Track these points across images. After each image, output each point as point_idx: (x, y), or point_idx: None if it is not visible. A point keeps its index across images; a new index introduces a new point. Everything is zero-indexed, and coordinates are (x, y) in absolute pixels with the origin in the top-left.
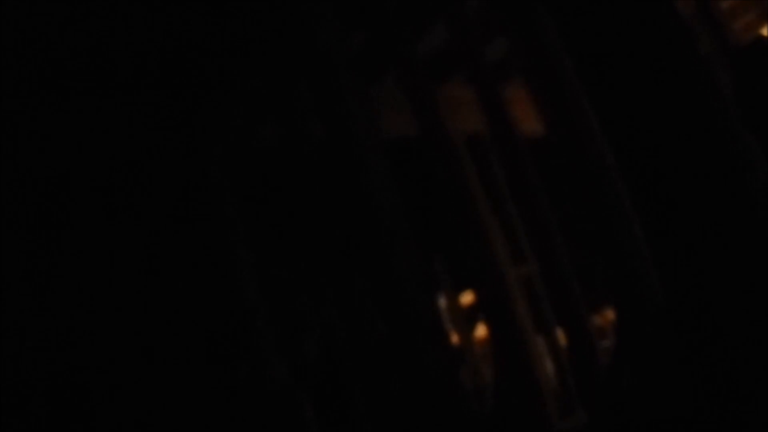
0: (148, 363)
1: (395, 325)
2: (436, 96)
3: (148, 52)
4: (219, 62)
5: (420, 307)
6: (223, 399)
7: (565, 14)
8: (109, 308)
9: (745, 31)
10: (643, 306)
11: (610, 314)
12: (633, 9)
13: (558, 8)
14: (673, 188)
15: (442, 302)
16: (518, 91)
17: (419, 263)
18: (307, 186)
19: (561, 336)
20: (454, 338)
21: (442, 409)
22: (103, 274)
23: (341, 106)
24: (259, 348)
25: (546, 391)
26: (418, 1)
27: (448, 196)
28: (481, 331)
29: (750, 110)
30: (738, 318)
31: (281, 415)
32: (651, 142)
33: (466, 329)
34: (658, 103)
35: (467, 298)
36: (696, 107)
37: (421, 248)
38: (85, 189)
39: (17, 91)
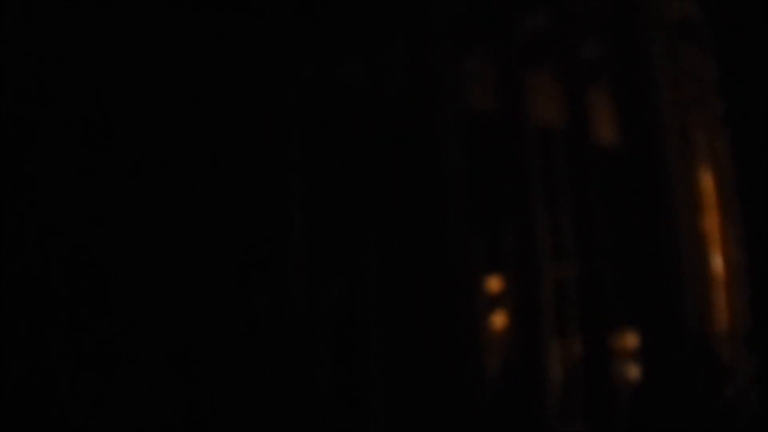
0: (178, 270)
1: (431, 293)
2: (522, 80)
3: None
4: None
5: (462, 285)
6: (239, 322)
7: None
8: (155, 204)
9: None
10: (673, 332)
11: (630, 339)
12: None
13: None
14: None
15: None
16: (602, 96)
17: (469, 240)
18: (377, 132)
19: (577, 344)
20: None
21: (452, 388)
22: (157, 168)
23: (432, 66)
24: (285, 279)
25: (550, 394)
26: None
27: (507, 179)
28: (498, 319)
29: None
30: None
31: (295, 348)
32: None
33: (485, 315)
34: None
35: (494, 283)
36: None
37: (473, 225)
38: (158, 84)
39: None
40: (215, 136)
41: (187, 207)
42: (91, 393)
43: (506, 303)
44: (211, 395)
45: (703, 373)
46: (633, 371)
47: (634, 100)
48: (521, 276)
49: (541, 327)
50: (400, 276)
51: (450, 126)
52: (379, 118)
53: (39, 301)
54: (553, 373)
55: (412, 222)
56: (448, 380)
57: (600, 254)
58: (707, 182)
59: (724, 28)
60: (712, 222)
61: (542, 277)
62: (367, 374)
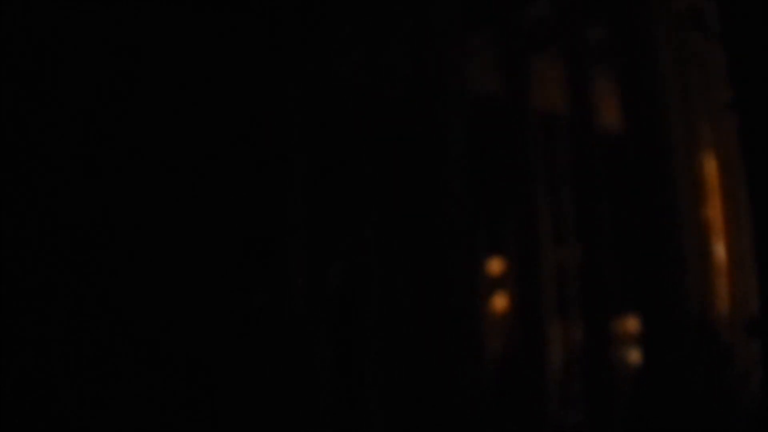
0: (178, 268)
1: (433, 276)
2: (526, 65)
3: None
4: None
5: (463, 275)
6: (239, 320)
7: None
8: (155, 202)
9: None
10: (675, 318)
11: (631, 324)
12: None
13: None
14: None
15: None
16: (605, 82)
17: (472, 223)
18: (381, 118)
19: (578, 329)
20: None
21: (453, 372)
22: (157, 166)
23: (437, 51)
24: (285, 276)
25: (551, 378)
26: None
27: (510, 163)
28: (499, 302)
29: None
30: None
31: (295, 344)
32: None
33: (486, 297)
34: None
35: (495, 265)
36: None
37: (476, 208)
38: (163, 84)
39: None
40: (216, 133)
41: (187, 205)
42: (89, 392)
43: (507, 286)
44: (210, 394)
45: (704, 358)
46: (634, 356)
47: (638, 87)
48: (523, 259)
49: (543, 311)
50: (403, 260)
51: (454, 110)
52: (382, 106)
53: (37, 299)
54: (554, 357)
55: (415, 206)
56: (449, 364)
57: (602, 239)
58: (711, 169)
59: (732, 13)
60: (714, 209)
61: (544, 261)
62: (367, 362)
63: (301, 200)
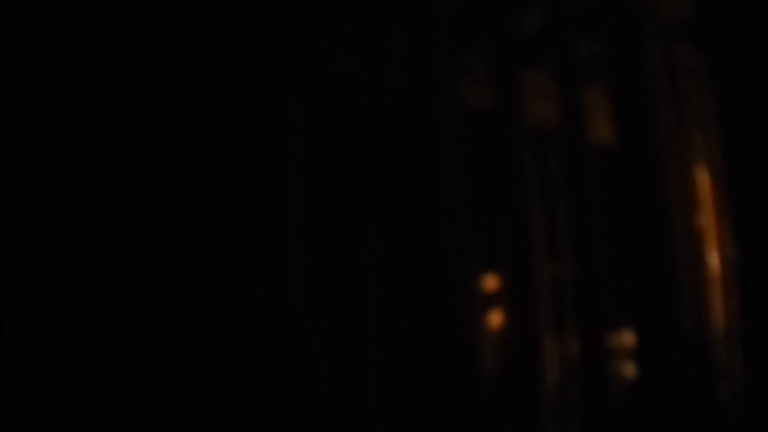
0: (178, 264)
1: (428, 291)
2: (518, 79)
3: None
4: None
5: (458, 283)
6: (237, 318)
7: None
8: (154, 198)
9: None
10: (669, 331)
11: (626, 338)
12: None
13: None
14: None
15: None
16: (597, 95)
17: (466, 238)
18: (376, 128)
19: (574, 343)
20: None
21: (449, 386)
22: (155, 160)
23: (429, 63)
24: (285, 273)
25: (546, 393)
26: None
27: (503, 177)
28: (495, 318)
29: None
30: None
31: (294, 342)
32: None
33: (481, 314)
34: None
35: (490, 282)
36: None
37: (470, 224)
38: (157, 78)
39: None
40: (214, 128)
41: (185, 201)
42: (86, 390)
43: (503, 302)
44: (208, 391)
45: (699, 371)
46: (629, 370)
47: (630, 99)
48: (517, 275)
49: (538, 326)
50: (398, 274)
51: (446, 124)
52: (377, 115)
53: (35, 297)
54: (550, 372)
55: (410, 219)
56: (445, 378)
57: (596, 253)
58: (703, 180)
59: (715, 26)
60: (708, 220)
61: (538, 276)
62: (364, 371)
63: (301, 198)
